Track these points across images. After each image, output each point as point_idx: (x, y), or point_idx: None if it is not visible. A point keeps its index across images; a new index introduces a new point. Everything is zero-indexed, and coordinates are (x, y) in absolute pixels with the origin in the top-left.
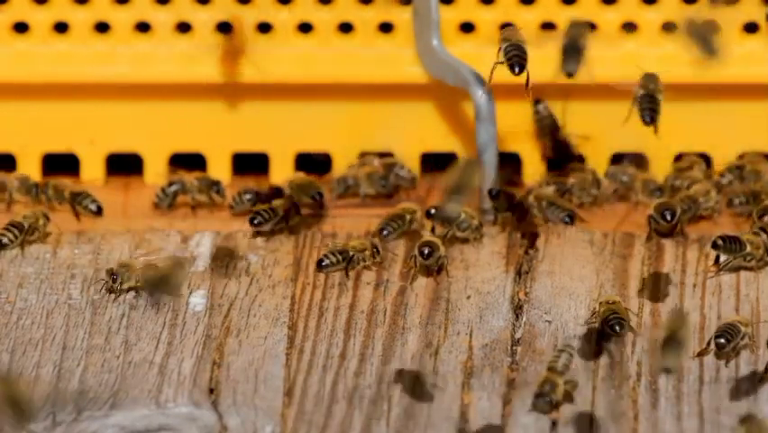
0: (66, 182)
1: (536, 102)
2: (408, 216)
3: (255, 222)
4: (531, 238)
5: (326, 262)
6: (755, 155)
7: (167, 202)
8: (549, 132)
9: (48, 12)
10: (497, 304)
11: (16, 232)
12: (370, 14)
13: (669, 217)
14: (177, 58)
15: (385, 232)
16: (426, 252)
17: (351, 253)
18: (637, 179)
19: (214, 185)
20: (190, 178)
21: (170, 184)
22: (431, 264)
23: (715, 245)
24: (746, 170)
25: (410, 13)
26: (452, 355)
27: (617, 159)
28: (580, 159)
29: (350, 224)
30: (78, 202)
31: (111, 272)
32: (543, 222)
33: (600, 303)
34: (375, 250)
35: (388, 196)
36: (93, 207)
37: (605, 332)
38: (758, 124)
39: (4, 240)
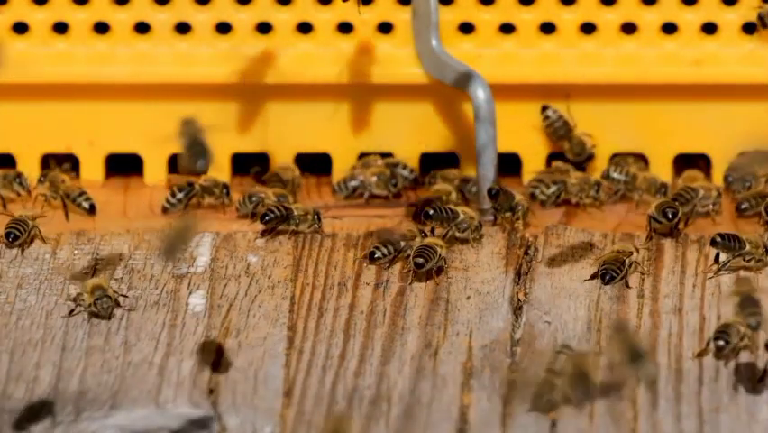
0: (62, 177)
1: (544, 108)
2: (444, 198)
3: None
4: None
5: (378, 254)
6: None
7: (178, 208)
8: (563, 135)
9: (47, 12)
10: (496, 305)
11: (24, 225)
12: (370, 15)
13: (670, 216)
14: (176, 58)
15: (431, 211)
16: (420, 261)
17: (402, 244)
18: (637, 178)
19: (224, 187)
20: (198, 181)
21: (180, 189)
22: (429, 268)
23: (714, 242)
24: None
25: (409, 14)
26: (452, 356)
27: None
28: (585, 161)
29: (350, 224)
30: (72, 199)
31: (78, 297)
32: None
33: (612, 250)
34: (424, 236)
35: (396, 196)
36: (86, 204)
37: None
38: (758, 125)
39: (15, 233)
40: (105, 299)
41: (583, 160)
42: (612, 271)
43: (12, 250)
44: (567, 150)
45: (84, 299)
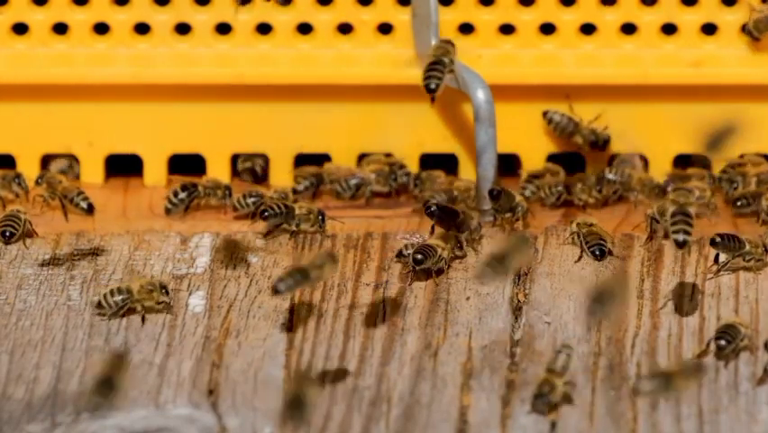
0: (60, 177)
1: (545, 114)
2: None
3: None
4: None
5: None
6: (755, 156)
7: (180, 209)
8: (572, 131)
9: (47, 13)
10: (496, 305)
11: (18, 222)
12: (370, 15)
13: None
14: (176, 59)
15: (433, 209)
16: (419, 258)
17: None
18: (634, 179)
19: (226, 189)
20: (201, 182)
21: (183, 189)
22: (428, 266)
23: (713, 243)
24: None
25: (409, 14)
26: (452, 357)
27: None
28: (603, 146)
29: (350, 225)
30: (70, 199)
31: (131, 300)
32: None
33: (578, 224)
34: (458, 245)
35: (397, 193)
36: (84, 204)
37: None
38: (757, 125)
39: (10, 230)
40: (167, 287)
41: (601, 145)
42: (602, 244)
43: (12, 250)
44: (582, 143)
45: (137, 301)
